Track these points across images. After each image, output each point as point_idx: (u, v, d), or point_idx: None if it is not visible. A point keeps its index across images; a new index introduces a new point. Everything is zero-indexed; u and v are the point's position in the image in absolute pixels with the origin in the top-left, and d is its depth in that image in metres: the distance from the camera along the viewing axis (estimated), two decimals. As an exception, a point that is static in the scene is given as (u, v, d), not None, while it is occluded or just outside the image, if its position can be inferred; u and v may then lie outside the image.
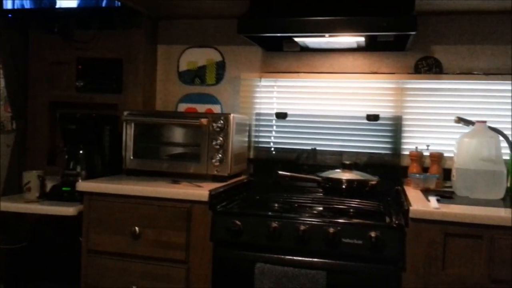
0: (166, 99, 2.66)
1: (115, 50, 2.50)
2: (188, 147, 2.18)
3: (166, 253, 1.84)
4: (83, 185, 1.96)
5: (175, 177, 2.10)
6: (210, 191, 1.83)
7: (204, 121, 2.11)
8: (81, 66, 2.54)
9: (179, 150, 2.20)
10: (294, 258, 1.69)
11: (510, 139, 2.04)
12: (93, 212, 1.93)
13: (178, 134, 2.20)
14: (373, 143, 2.36)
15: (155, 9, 2.46)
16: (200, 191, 1.83)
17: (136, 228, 1.87)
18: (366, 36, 2.07)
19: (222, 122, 2.10)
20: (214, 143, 2.11)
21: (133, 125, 2.20)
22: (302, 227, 1.67)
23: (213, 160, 2.10)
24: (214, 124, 2.11)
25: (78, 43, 2.54)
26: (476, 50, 2.24)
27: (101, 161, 2.29)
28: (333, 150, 2.40)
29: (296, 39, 2.20)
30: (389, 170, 2.30)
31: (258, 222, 1.72)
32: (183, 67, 2.63)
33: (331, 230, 1.64)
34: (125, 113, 2.22)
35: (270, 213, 1.76)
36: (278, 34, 2.00)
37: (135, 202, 1.88)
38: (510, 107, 2.19)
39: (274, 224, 1.69)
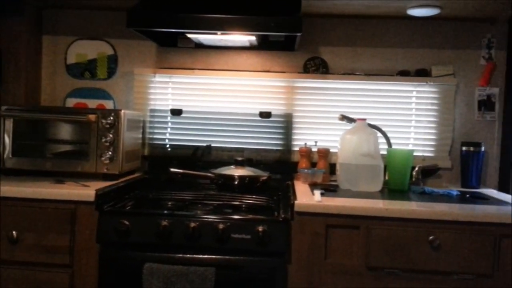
0: (53, 94, 2.50)
1: (-8, 40, 2.30)
2: (76, 144, 2.07)
3: (48, 258, 1.74)
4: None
5: (62, 177, 1.98)
6: (97, 190, 1.76)
7: (92, 117, 2.02)
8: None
9: (66, 148, 2.08)
10: (185, 255, 1.68)
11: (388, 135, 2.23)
12: (-37, 217, 1.76)
13: (64, 131, 2.08)
14: (266, 140, 2.43)
15: (39, -4, 2.30)
16: (86, 191, 1.75)
17: (14, 232, 1.73)
18: (257, 35, 2.12)
19: (112, 118, 2.03)
20: (103, 140, 2.02)
21: (12, 120, 2.04)
22: (192, 224, 1.66)
23: (103, 158, 2.02)
24: (104, 121, 2.02)
25: None
26: (358, 52, 2.39)
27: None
28: (228, 147, 2.44)
29: (189, 36, 2.19)
30: (281, 165, 2.38)
31: (147, 221, 1.69)
32: (71, 59, 2.50)
33: (221, 226, 1.66)
34: (3, 108, 2.05)
35: (159, 211, 1.73)
36: (168, 30, 1.97)
37: (12, 204, 1.75)
38: (388, 105, 2.38)
39: (164, 223, 1.67)
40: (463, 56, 2.34)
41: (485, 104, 2.32)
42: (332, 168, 2.28)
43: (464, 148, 2.26)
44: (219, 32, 2.02)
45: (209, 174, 2.08)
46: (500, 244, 1.66)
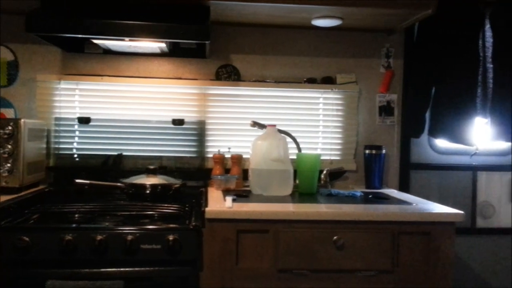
0: None
1: None
2: (-30, 157, 1.92)
3: None
4: None
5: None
6: (-7, 206, 1.65)
7: (-13, 127, 1.88)
8: None
9: (-42, 160, 1.92)
10: (91, 270, 1.61)
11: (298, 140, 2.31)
12: None
13: (-44, 143, 1.92)
14: (179, 147, 2.41)
15: None
16: (-20, 207, 1.63)
17: None
18: (167, 42, 2.11)
19: (11, 128, 1.91)
20: (1, 151, 1.90)
21: None
22: (98, 237, 1.60)
23: (1, 171, 1.89)
24: (1, 131, 1.90)
25: None
26: (268, 60, 2.46)
27: None
28: (141, 155, 2.39)
29: (96, 41, 2.12)
30: (195, 172, 2.38)
31: (49, 236, 1.60)
32: (-35, 65, 2.32)
33: (129, 237, 1.61)
34: None
35: (62, 225, 1.65)
36: (70, 35, 1.89)
37: None
38: (297, 111, 2.46)
39: (68, 237, 1.60)
40: (365, 65, 2.49)
41: (385, 110, 2.49)
42: (245, 174, 2.32)
43: (367, 151, 2.40)
44: (127, 39, 1.98)
45: (119, 184, 2.02)
46: (399, 241, 1.78)
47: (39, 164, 2.15)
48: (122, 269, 1.62)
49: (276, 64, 2.46)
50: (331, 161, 2.46)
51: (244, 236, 1.75)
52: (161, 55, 2.38)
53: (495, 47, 2.34)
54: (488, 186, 2.58)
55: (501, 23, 2.34)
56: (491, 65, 2.34)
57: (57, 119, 2.35)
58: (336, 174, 2.39)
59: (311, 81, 2.45)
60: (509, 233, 2.58)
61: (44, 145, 2.25)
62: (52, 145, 2.34)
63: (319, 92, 2.46)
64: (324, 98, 2.47)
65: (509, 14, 2.34)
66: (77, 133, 2.37)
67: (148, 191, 2.02)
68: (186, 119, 2.40)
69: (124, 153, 2.38)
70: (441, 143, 2.53)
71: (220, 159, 2.33)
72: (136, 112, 2.40)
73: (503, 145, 2.56)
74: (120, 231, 1.64)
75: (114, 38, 1.96)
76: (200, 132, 2.42)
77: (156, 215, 1.83)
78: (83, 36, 1.92)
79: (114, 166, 2.35)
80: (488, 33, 2.35)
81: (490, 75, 2.35)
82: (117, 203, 1.96)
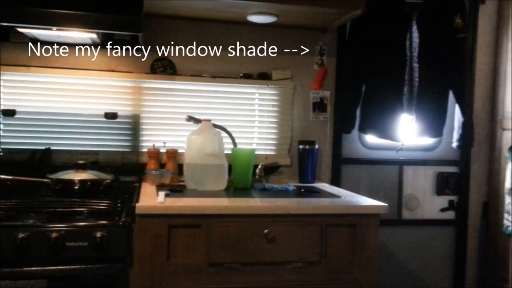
0: None
1: None
2: None
3: None
4: None
5: None
6: None
7: None
8: None
9: None
10: (13, 269, 1.54)
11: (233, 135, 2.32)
12: None
13: None
14: (112, 141, 2.35)
15: None
16: None
17: None
18: (98, 33, 2.04)
19: None
20: None
21: None
22: (21, 235, 1.54)
23: None
24: None
25: None
26: (205, 55, 2.44)
27: None
28: (70, 150, 2.31)
29: (21, 30, 2.02)
30: (129, 167, 2.33)
31: (-35, 236, 1.52)
32: None
33: (54, 235, 1.56)
34: None
35: (-20, 224, 1.57)
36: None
37: None
38: (234, 107, 2.47)
39: (-13, 235, 1.52)
40: (300, 62, 2.54)
41: (319, 106, 2.56)
42: (181, 169, 2.30)
43: (301, 146, 2.45)
44: (54, 28, 1.91)
45: (45, 180, 1.94)
46: (326, 233, 1.84)
47: (-43, 159, 2.03)
48: (46, 267, 1.57)
49: (212, 59, 2.45)
50: (266, 156, 2.50)
51: (176, 232, 1.74)
52: (93, 46, 2.31)
53: (421, 48, 2.47)
54: (413, 179, 2.72)
55: (426, 25, 2.47)
56: (417, 65, 2.46)
57: (-22, 111, 2.22)
58: (270, 168, 2.43)
59: (247, 77, 2.47)
60: (433, 224, 2.74)
61: (-36, 139, 2.12)
62: (-27, 139, 2.21)
63: (255, 87, 2.48)
64: (260, 94, 2.50)
65: (434, 17, 2.48)
66: (1, 126, 2.25)
67: (76, 187, 1.96)
68: (119, 113, 2.35)
69: (54, 148, 2.28)
70: (371, 138, 2.63)
71: (154, 153, 2.30)
72: (66, 105, 2.31)
73: (428, 141, 2.71)
74: (44, 228, 1.58)
75: (40, 27, 1.88)
76: (134, 126, 2.37)
77: (85, 211, 1.77)
78: (7, 24, 1.83)
79: (42, 161, 2.25)
80: (415, 34, 2.47)
81: (416, 74, 2.47)
82: (42, 200, 1.88)
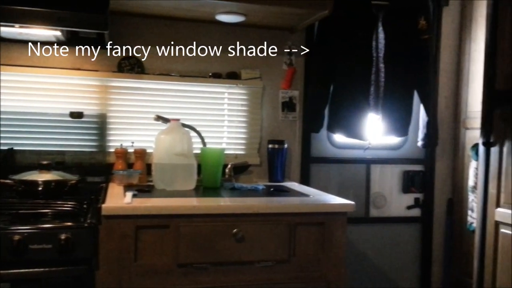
0: None
1: None
2: None
3: None
4: None
5: None
6: None
7: None
8: None
9: None
10: (-27, 274, 1.50)
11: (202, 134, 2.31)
12: None
13: None
14: (78, 141, 2.31)
15: None
16: None
17: None
18: (63, 31, 2.00)
19: None
20: None
21: None
22: (-19, 238, 1.50)
23: None
24: None
25: None
26: (173, 54, 2.42)
27: None
28: (35, 150, 2.25)
29: (-20, 26, 1.96)
30: (95, 168, 2.29)
31: None
32: None
33: (16, 237, 1.52)
34: None
35: None
36: None
37: None
38: (203, 106, 2.46)
39: None
40: (268, 61, 2.55)
41: (288, 106, 2.57)
42: (149, 169, 2.27)
43: (270, 146, 2.46)
44: (16, 25, 1.86)
45: (7, 181, 1.89)
46: (295, 232, 1.85)
47: None
48: (9, 271, 1.53)
49: (181, 58, 2.43)
50: (236, 155, 2.49)
51: (144, 232, 1.72)
52: (58, 44, 2.25)
53: (387, 49, 2.51)
54: (380, 178, 2.77)
55: (392, 26, 2.52)
56: (383, 65, 2.51)
57: None
58: (240, 168, 2.43)
59: (216, 76, 2.46)
60: (399, 222, 2.80)
61: None
62: None
63: (224, 87, 2.48)
64: (229, 93, 2.50)
65: (399, 18, 2.53)
66: (-39, 126, 2.18)
67: (40, 188, 1.91)
68: (86, 112, 2.30)
69: (17, 148, 2.22)
70: (339, 137, 2.67)
71: (122, 153, 2.27)
72: (30, 104, 2.25)
73: (394, 139, 2.76)
74: (7, 230, 1.54)
75: (1, 24, 1.83)
76: (101, 125, 2.33)
77: (49, 213, 1.73)
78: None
79: (5, 162, 2.18)
80: (381, 35, 2.52)
81: (382, 74, 2.52)
82: (5, 201, 1.83)
